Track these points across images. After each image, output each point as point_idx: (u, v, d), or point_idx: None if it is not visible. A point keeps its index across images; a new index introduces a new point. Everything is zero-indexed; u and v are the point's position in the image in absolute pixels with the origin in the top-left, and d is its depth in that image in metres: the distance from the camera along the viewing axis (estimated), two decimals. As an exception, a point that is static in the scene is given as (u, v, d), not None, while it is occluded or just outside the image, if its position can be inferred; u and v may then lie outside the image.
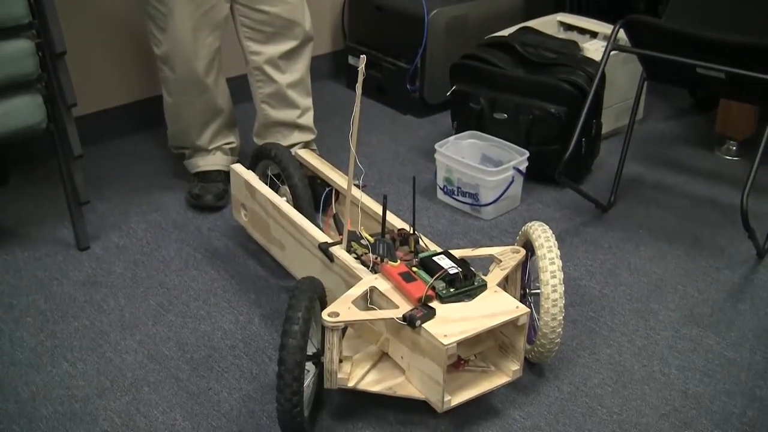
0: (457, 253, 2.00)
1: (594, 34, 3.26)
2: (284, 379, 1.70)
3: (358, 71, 1.86)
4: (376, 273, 1.96)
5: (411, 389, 1.86)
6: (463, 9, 3.34)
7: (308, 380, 1.84)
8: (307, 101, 2.78)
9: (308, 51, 2.71)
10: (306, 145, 2.79)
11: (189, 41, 2.49)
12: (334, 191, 2.47)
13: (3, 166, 2.86)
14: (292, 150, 2.65)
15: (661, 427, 1.93)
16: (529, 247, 2.06)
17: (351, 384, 1.84)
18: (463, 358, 1.90)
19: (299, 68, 2.70)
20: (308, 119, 2.79)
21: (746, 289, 2.41)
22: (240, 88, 2.89)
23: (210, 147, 2.74)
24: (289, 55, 2.66)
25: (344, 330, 1.91)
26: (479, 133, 2.86)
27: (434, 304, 1.83)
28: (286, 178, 2.41)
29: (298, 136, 2.77)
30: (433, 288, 1.85)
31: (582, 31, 3.30)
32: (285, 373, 1.70)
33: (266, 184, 2.41)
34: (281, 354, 1.70)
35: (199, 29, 2.49)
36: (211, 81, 2.60)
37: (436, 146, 2.77)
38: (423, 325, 1.77)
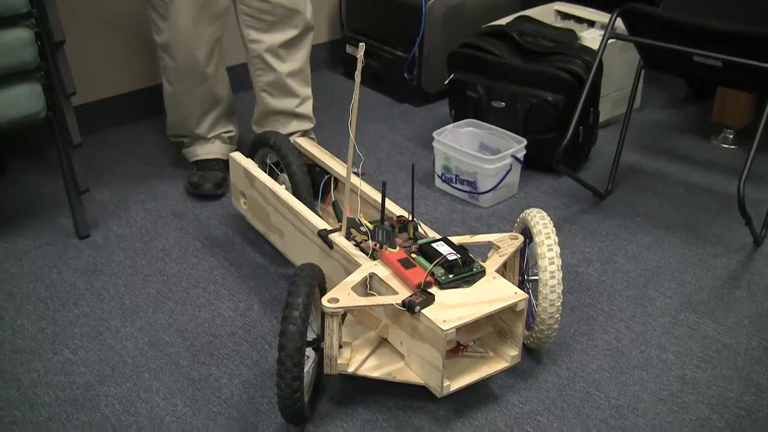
0: (456, 239, 2.01)
1: (591, 23, 3.26)
2: (284, 364, 1.71)
3: (356, 60, 1.87)
4: (375, 259, 1.97)
5: (410, 375, 1.87)
6: (461, -2, 3.35)
7: (308, 366, 1.85)
8: (307, 90, 2.78)
9: (308, 40, 2.72)
10: (304, 133, 2.80)
11: (190, 30, 2.50)
12: (332, 179, 2.47)
13: (1, 155, 2.86)
14: (291, 138, 2.66)
15: (659, 411, 1.94)
16: (527, 234, 2.07)
17: (351, 370, 1.85)
18: (462, 344, 1.92)
19: (299, 57, 2.70)
20: (307, 108, 2.79)
21: (743, 275, 2.42)
22: (239, 77, 2.90)
23: (209, 135, 2.75)
24: (290, 44, 2.66)
25: (344, 316, 1.93)
26: (477, 121, 2.87)
27: (433, 290, 1.84)
28: (285, 165, 2.42)
29: (296, 125, 2.78)
30: (432, 274, 1.86)
31: (579, 20, 3.31)
32: (285, 359, 1.71)
33: (265, 172, 2.42)
34: (281, 340, 1.71)
35: (200, 18, 2.50)
36: (212, 70, 2.61)
37: (434, 134, 2.78)
38: (422, 311, 1.78)
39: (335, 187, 2.48)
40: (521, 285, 2.10)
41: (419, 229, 2.07)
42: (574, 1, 3.43)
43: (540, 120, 2.83)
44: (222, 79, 2.69)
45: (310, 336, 1.82)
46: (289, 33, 2.64)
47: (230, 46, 2.74)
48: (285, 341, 1.70)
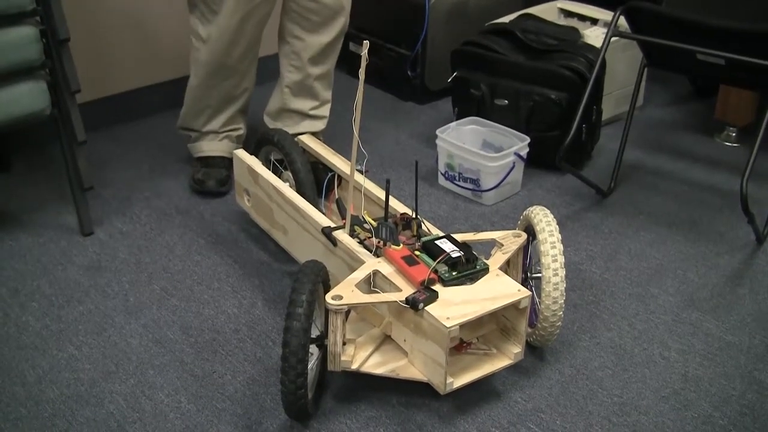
0: (459, 237, 2.01)
1: (594, 21, 3.27)
2: (288, 361, 1.71)
3: (359, 58, 1.87)
4: (378, 257, 1.97)
5: (414, 372, 1.88)
6: (464, -4, 3.35)
7: (312, 363, 1.86)
8: (328, 94, 2.79)
9: (340, 44, 2.72)
10: (314, 133, 2.80)
11: (233, 29, 2.50)
12: (336, 176, 2.48)
13: (5, 152, 2.87)
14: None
15: (661, 409, 1.95)
16: (531, 232, 2.07)
17: (354, 366, 1.86)
18: (466, 341, 1.92)
19: (330, 62, 2.72)
20: (323, 111, 2.80)
21: (745, 273, 2.43)
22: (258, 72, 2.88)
23: (220, 131, 2.75)
24: (327, 48, 2.67)
25: (348, 313, 1.93)
26: (480, 119, 2.88)
27: (437, 287, 1.85)
28: (288, 163, 2.42)
29: (308, 125, 2.77)
30: (435, 271, 1.87)
31: (582, 17, 3.31)
32: (289, 356, 1.71)
33: (269, 170, 2.42)
34: (285, 336, 1.71)
35: (248, 18, 2.50)
36: (243, 66, 2.62)
37: (438, 132, 2.78)
38: (426, 308, 1.79)
39: (339, 184, 2.49)
40: (524, 282, 2.11)
41: (423, 227, 2.07)
42: (577, -1, 3.43)
43: (543, 118, 2.84)
44: (250, 75, 2.69)
45: (314, 333, 1.83)
46: (330, 35, 2.64)
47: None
48: (289, 338, 1.71)
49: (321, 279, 1.84)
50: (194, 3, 2.55)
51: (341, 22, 2.65)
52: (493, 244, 2.06)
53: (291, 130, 2.66)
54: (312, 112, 2.77)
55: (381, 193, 2.25)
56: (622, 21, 2.61)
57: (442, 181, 2.84)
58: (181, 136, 2.85)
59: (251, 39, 2.57)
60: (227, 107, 2.71)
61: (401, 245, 1.96)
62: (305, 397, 1.77)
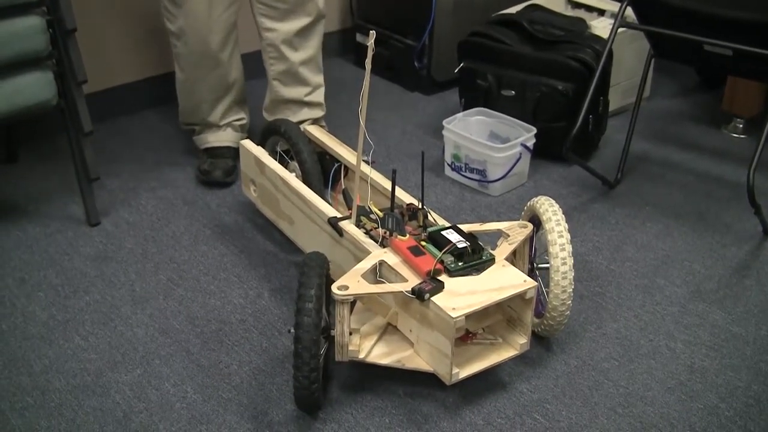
0: (466, 227, 2.01)
1: (602, 12, 3.25)
2: (302, 357, 1.71)
3: (366, 49, 1.87)
4: (385, 247, 1.97)
5: (419, 362, 1.88)
6: (471, -14, 3.34)
7: (318, 354, 1.86)
8: (318, 78, 2.78)
9: (321, 28, 2.72)
10: (315, 121, 2.80)
11: (204, 16, 2.50)
12: (342, 167, 2.48)
13: (12, 143, 2.87)
14: (301, 126, 2.66)
15: (667, 400, 1.94)
16: (536, 222, 2.07)
17: (361, 357, 1.86)
18: (471, 332, 1.92)
19: (312, 45, 2.70)
20: (318, 96, 2.79)
21: (752, 265, 2.42)
22: (250, 65, 2.89)
23: (221, 123, 2.75)
24: (303, 32, 2.65)
25: (353, 303, 1.93)
26: (487, 109, 2.87)
27: (443, 277, 1.85)
28: (295, 153, 2.42)
29: (307, 113, 2.78)
30: (441, 262, 1.87)
31: (589, 8, 3.30)
32: (302, 351, 1.71)
33: (275, 160, 2.42)
34: (297, 332, 1.71)
35: (215, 4, 2.50)
36: (226, 56, 2.61)
37: (444, 123, 2.78)
38: (431, 299, 1.79)
39: (345, 174, 2.49)
40: (530, 273, 2.10)
41: (429, 217, 2.07)
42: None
43: (550, 108, 2.83)
44: (236, 65, 2.69)
45: (320, 324, 1.83)
46: (303, 21, 2.63)
47: (242, 33, 2.73)
48: (301, 333, 1.70)
49: (326, 271, 1.84)
50: (161, 3, 2.56)
51: (314, 8, 2.63)
52: (499, 234, 2.06)
53: (292, 120, 2.66)
54: (307, 99, 2.76)
55: (387, 184, 2.25)
56: (630, 12, 2.61)
57: (448, 171, 2.83)
58: (186, 131, 2.85)
59: (225, 25, 2.56)
60: (221, 99, 2.71)
61: (407, 236, 1.96)
62: (319, 390, 1.78)
